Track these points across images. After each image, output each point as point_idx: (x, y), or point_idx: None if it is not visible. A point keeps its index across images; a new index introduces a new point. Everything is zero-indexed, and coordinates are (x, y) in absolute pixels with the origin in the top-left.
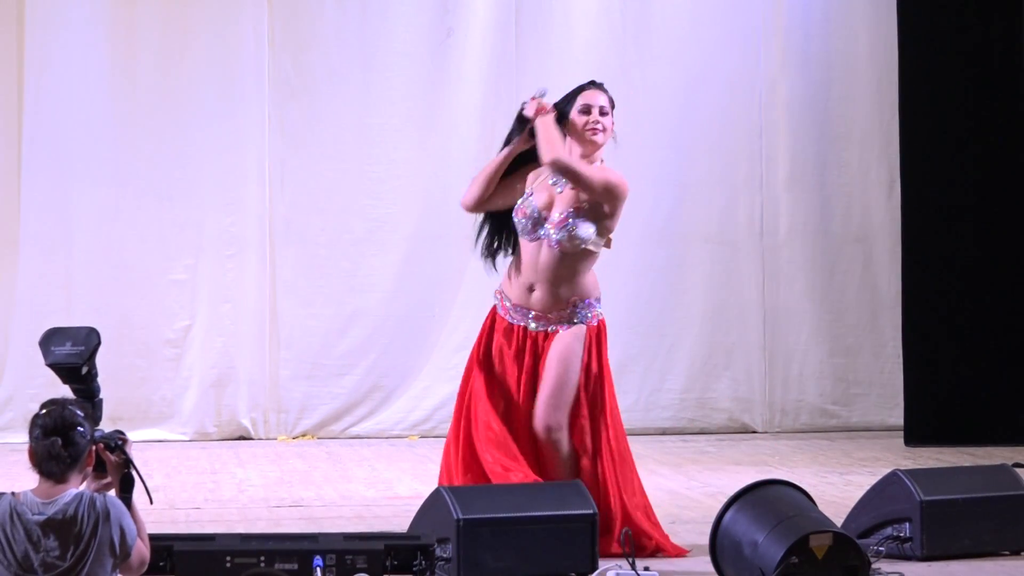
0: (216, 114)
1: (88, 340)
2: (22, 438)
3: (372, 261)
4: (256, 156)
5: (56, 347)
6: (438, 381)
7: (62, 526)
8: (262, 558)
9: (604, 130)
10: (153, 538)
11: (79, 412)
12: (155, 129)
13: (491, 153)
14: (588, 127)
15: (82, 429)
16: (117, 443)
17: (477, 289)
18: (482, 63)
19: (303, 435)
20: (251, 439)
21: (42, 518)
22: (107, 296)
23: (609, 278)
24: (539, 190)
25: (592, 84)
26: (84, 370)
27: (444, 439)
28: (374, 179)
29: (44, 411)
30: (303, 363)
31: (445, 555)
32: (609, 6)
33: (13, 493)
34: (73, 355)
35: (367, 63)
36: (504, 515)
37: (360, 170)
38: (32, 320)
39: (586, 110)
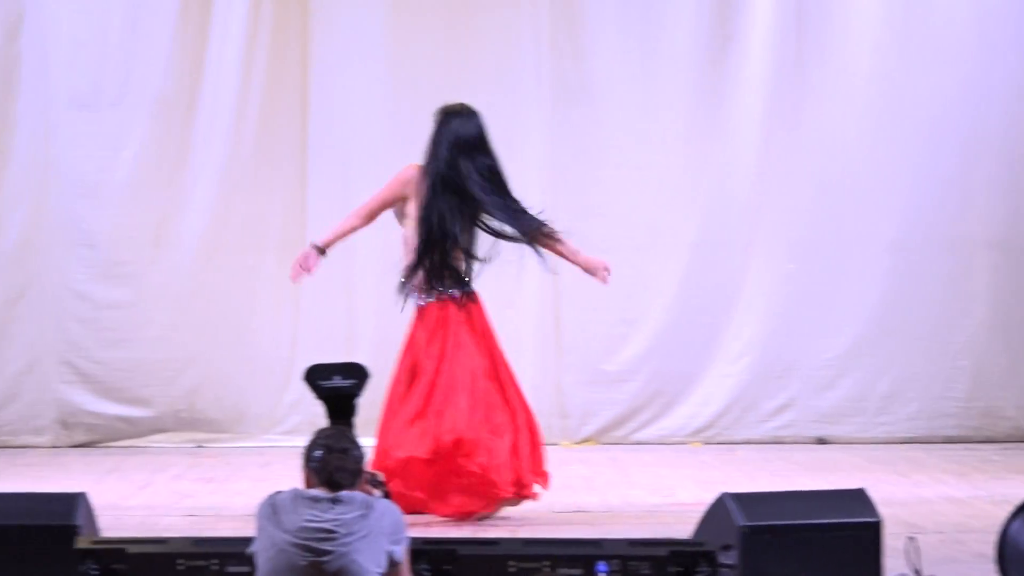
0: (496, 120)
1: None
2: (306, 441)
3: (653, 267)
4: (536, 162)
5: (325, 381)
6: (721, 388)
7: (345, 504)
8: (547, 563)
9: None
10: (436, 542)
11: (353, 438)
12: None
13: (772, 159)
14: None
15: (358, 453)
16: (379, 480)
17: (759, 294)
18: (762, 69)
19: (586, 440)
20: None
21: (328, 496)
22: (391, 300)
23: (896, 286)
24: None
25: None
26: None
27: (728, 445)
28: (654, 185)
29: (323, 435)
30: (586, 369)
31: (729, 562)
32: (891, 8)
33: None
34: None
35: (647, 69)
36: (788, 522)
37: (641, 176)
38: (317, 326)
39: None
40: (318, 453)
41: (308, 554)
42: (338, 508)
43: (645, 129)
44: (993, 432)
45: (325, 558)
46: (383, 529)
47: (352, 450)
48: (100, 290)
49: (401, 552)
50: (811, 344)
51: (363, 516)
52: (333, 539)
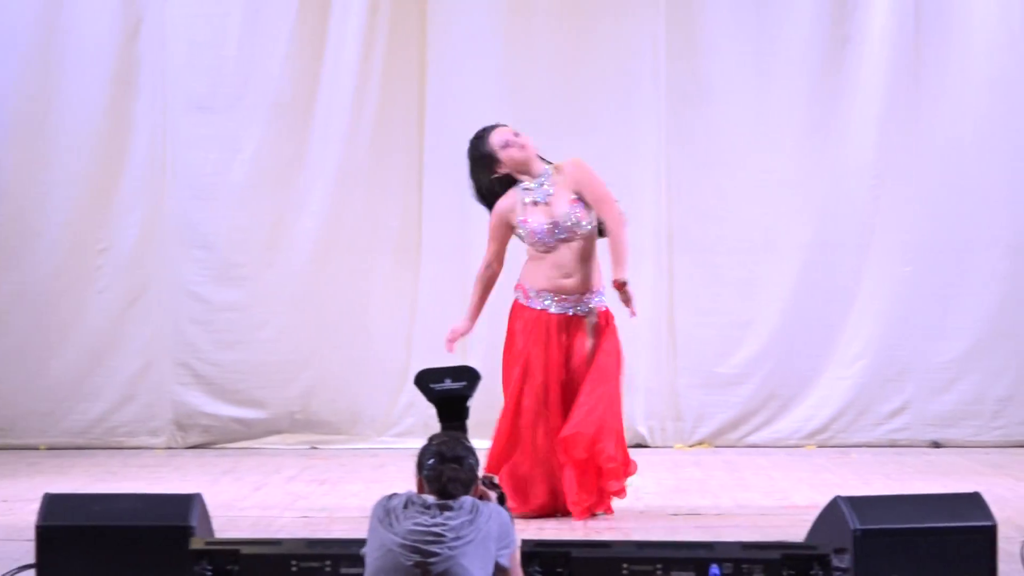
0: (612, 123)
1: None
2: (420, 444)
3: (768, 269)
4: (652, 164)
5: (437, 383)
6: (835, 390)
7: (454, 509)
8: (659, 566)
9: (523, 146)
10: (549, 544)
11: (469, 445)
12: (550, 138)
13: (888, 161)
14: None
15: (472, 461)
16: (494, 482)
17: (875, 297)
18: (879, 71)
19: (700, 443)
20: (648, 447)
21: (437, 502)
22: (503, 302)
23: (1013, 289)
24: (532, 213)
25: (488, 129)
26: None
27: (842, 449)
28: (770, 187)
29: (437, 441)
30: (699, 371)
31: (842, 565)
32: (1009, 9)
33: None
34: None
35: (763, 71)
36: (902, 526)
37: (756, 178)
38: (432, 327)
39: (504, 144)
40: (431, 462)
41: (415, 555)
42: (447, 513)
43: (761, 131)
44: None
45: (432, 559)
46: (491, 533)
47: (466, 459)
48: (216, 292)
49: (507, 558)
50: (927, 347)
51: (471, 521)
52: (441, 542)
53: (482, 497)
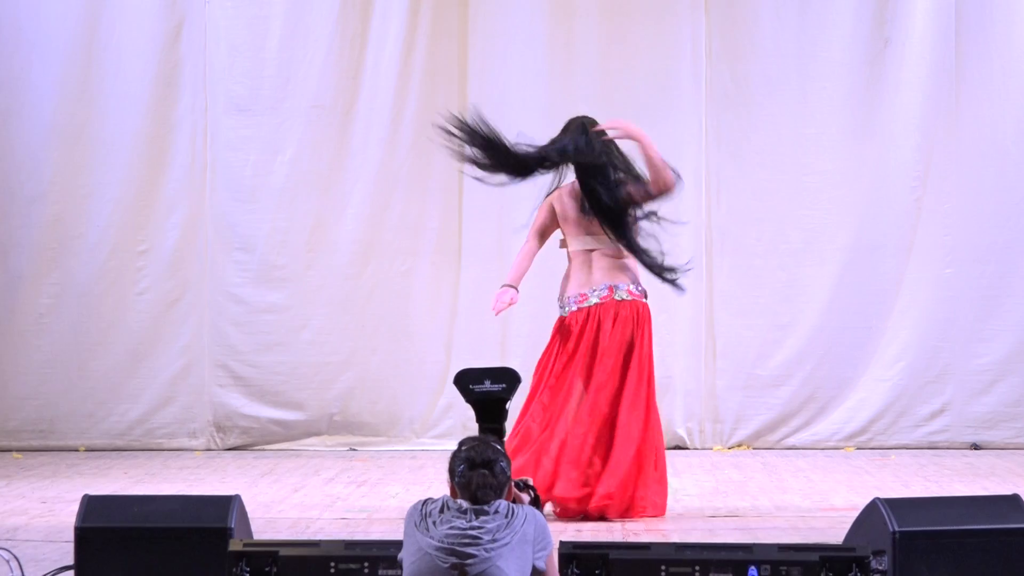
0: (653, 124)
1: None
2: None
3: (808, 271)
4: (692, 166)
5: (476, 384)
6: (875, 392)
7: (489, 513)
8: (698, 568)
9: None
10: (587, 546)
11: (499, 448)
12: None
13: (929, 162)
14: None
15: (503, 464)
16: (528, 484)
17: (915, 299)
18: (920, 72)
19: (738, 445)
20: (687, 448)
21: (472, 507)
22: (542, 305)
23: None
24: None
25: None
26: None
27: (881, 451)
28: (810, 189)
29: (466, 447)
30: (738, 373)
31: (881, 567)
32: None
33: None
34: (497, 391)
35: (804, 72)
36: (942, 528)
37: (797, 180)
38: (472, 330)
39: None
40: (461, 468)
41: (452, 557)
42: (483, 517)
43: (801, 133)
44: None
45: (468, 561)
46: (527, 536)
47: (497, 463)
48: (256, 294)
49: (543, 561)
50: (967, 349)
51: (506, 524)
52: (477, 544)
53: (515, 500)
